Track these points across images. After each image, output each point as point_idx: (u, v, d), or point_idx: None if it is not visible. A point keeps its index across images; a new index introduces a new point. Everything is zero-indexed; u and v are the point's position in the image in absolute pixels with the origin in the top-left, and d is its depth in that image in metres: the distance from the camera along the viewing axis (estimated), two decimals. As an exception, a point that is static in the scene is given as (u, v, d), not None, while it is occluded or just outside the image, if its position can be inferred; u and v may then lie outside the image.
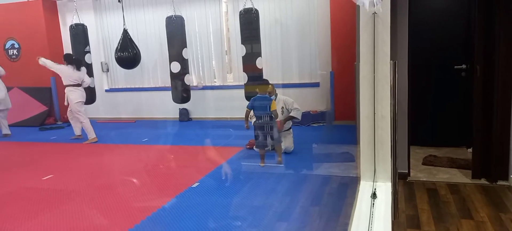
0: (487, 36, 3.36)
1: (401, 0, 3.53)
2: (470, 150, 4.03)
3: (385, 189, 1.37)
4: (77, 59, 6.38)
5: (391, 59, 1.38)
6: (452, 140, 4.61)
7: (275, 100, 4.49)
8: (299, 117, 4.75)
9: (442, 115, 4.65)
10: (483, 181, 3.52)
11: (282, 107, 4.70)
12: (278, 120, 4.46)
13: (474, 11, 3.60)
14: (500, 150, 3.43)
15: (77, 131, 6.38)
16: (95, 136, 6.18)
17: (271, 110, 4.18)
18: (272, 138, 4.27)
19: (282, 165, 4.42)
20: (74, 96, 6.10)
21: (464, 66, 4.43)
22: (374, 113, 1.33)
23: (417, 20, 3.98)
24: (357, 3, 1.26)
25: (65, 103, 6.19)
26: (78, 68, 6.20)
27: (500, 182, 3.45)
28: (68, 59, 6.19)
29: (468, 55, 4.29)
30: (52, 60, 6.25)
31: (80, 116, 6.16)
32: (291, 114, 4.71)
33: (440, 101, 4.63)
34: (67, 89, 6.09)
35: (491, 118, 3.43)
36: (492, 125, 3.43)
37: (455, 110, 4.58)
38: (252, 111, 4.38)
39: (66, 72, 6.07)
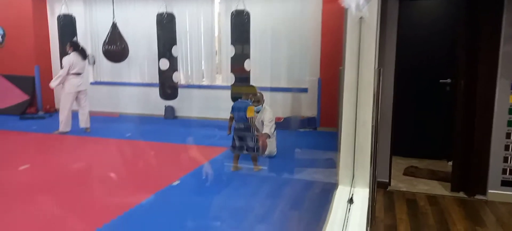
0: (470, 52, 3.41)
1: (391, 10, 3.57)
2: (450, 163, 4.08)
3: (362, 195, 1.36)
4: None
5: (377, 67, 1.38)
6: (434, 152, 4.67)
7: (261, 109, 4.42)
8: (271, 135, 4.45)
9: (425, 127, 4.70)
10: (461, 194, 3.57)
11: (262, 119, 4.39)
12: (262, 133, 4.26)
13: (460, 27, 3.66)
14: (479, 165, 3.48)
15: (86, 123, 6.11)
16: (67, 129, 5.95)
17: (247, 116, 4.09)
18: (247, 146, 4.15)
19: (260, 170, 4.36)
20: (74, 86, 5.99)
21: (449, 80, 4.50)
22: (356, 119, 1.33)
23: (405, 33, 4.02)
24: (344, 6, 1.25)
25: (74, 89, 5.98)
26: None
27: (478, 196, 3.50)
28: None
29: (453, 70, 4.36)
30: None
31: (67, 107, 5.91)
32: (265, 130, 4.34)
33: (424, 114, 4.69)
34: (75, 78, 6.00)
35: (472, 132, 3.48)
36: (473, 140, 3.48)
37: (438, 123, 4.65)
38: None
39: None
